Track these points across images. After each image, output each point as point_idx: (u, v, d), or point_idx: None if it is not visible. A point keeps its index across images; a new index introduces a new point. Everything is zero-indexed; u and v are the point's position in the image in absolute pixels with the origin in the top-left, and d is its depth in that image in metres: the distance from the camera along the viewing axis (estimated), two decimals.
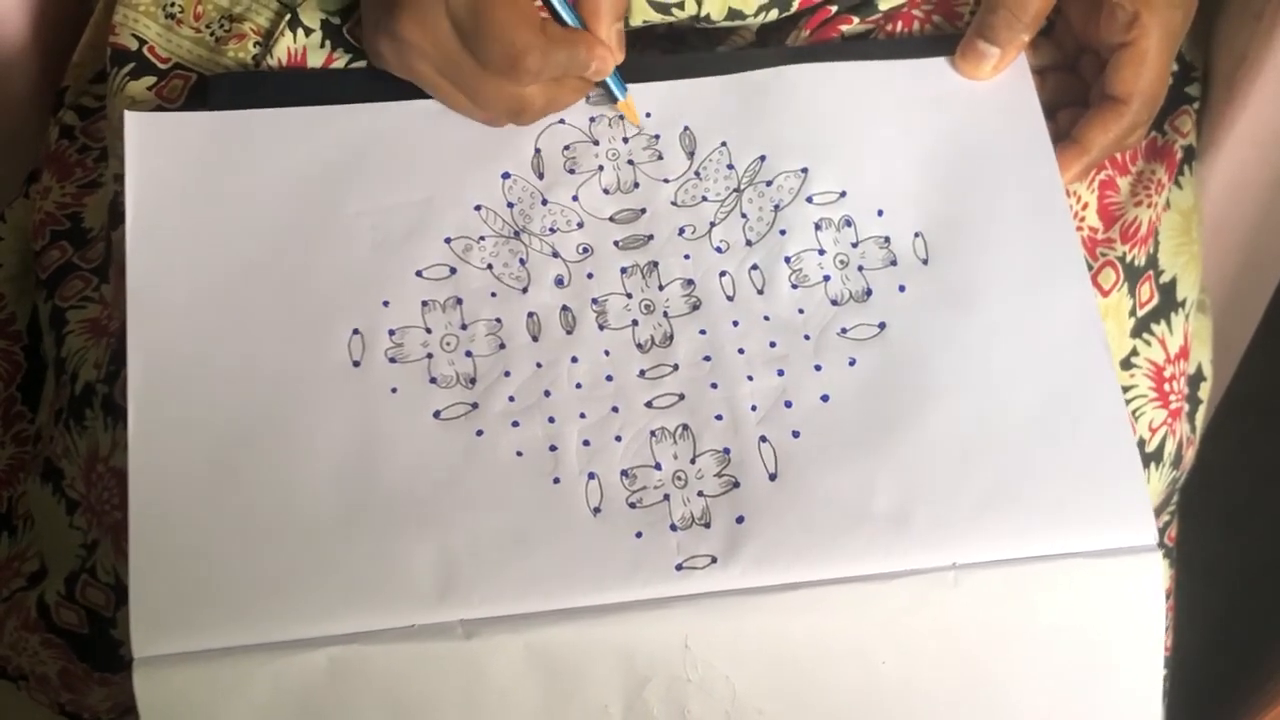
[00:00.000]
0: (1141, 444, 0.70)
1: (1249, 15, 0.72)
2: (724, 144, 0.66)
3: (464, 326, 0.62)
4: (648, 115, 0.66)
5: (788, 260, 0.64)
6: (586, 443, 0.60)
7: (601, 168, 0.65)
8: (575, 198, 0.65)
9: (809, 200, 0.65)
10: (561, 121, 0.66)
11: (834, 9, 0.69)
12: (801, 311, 0.62)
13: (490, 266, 0.63)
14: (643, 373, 0.61)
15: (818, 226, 0.64)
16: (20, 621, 0.70)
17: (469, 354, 0.61)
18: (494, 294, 0.62)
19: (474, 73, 0.62)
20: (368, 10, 0.64)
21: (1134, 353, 0.70)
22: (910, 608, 0.57)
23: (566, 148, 0.66)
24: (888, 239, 0.64)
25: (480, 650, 0.56)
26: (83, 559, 0.69)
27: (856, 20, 0.70)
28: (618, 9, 0.64)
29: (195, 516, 0.57)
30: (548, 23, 0.62)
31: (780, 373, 0.61)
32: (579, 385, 0.61)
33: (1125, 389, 0.70)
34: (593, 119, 0.66)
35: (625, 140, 0.66)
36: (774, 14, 0.69)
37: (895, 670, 0.58)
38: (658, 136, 0.66)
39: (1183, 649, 0.83)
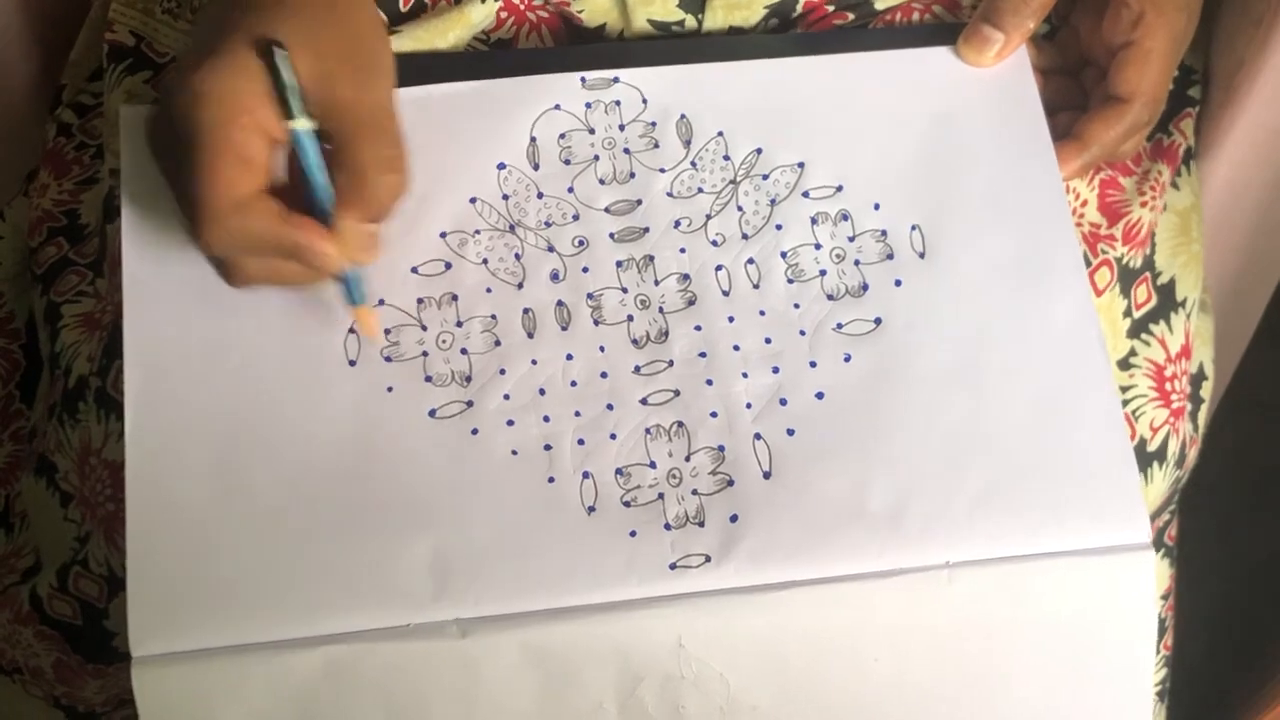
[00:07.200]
0: (1143, 443, 0.70)
1: (1248, 21, 0.72)
2: (720, 134, 0.65)
3: (459, 323, 0.62)
4: (644, 102, 0.66)
5: (784, 255, 0.63)
6: (581, 441, 0.59)
7: (597, 157, 0.65)
8: (571, 189, 0.64)
9: (805, 195, 0.64)
10: (557, 108, 0.65)
11: (831, 8, 0.69)
12: (797, 306, 0.62)
13: (486, 261, 0.63)
14: (638, 369, 0.61)
15: (814, 221, 0.64)
16: (13, 614, 0.70)
17: (464, 351, 0.61)
18: (489, 290, 0.62)
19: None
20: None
21: (1132, 353, 0.70)
22: (904, 606, 0.57)
23: (562, 136, 0.65)
24: (884, 232, 0.64)
25: (475, 649, 0.56)
26: (75, 551, 0.69)
27: (853, 17, 0.69)
28: (366, 212, 0.57)
29: (192, 515, 0.57)
30: (259, 198, 0.55)
31: (775, 370, 0.61)
32: (574, 383, 0.61)
33: (1124, 389, 0.70)
34: (588, 105, 0.66)
35: (622, 128, 0.66)
36: (774, 23, 0.69)
37: (889, 667, 0.58)
38: (654, 123, 0.66)
39: (1183, 649, 0.83)
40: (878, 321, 0.62)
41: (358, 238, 0.57)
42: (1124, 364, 0.70)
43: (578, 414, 0.60)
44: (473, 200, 0.64)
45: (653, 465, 0.59)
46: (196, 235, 0.55)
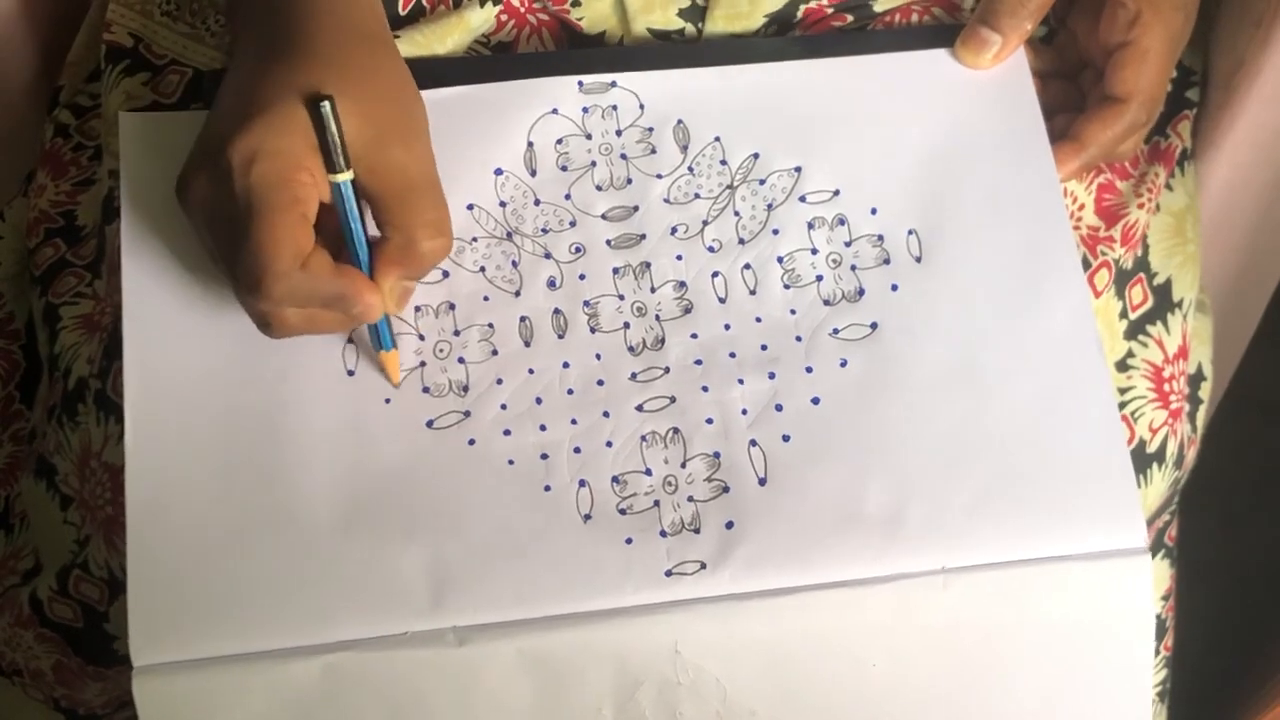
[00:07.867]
0: (1142, 444, 0.70)
1: (1247, 21, 0.72)
2: (717, 139, 0.65)
3: (457, 332, 0.62)
4: (641, 107, 0.66)
5: (780, 260, 0.63)
6: (577, 450, 0.59)
7: (594, 163, 0.65)
8: (568, 196, 0.64)
9: (802, 200, 0.64)
10: (554, 112, 0.65)
11: (830, 10, 0.69)
12: (793, 312, 0.62)
13: (483, 269, 0.63)
14: (634, 376, 0.61)
15: (810, 225, 0.64)
16: (14, 617, 0.70)
17: (461, 360, 0.61)
18: (486, 298, 0.62)
19: (226, 272, 0.57)
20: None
21: (1130, 354, 0.70)
22: (900, 611, 0.57)
23: (559, 141, 0.65)
24: (881, 236, 0.64)
25: (473, 657, 0.56)
26: (75, 553, 0.69)
27: (851, 19, 0.69)
28: (411, 272, 0.59)
29: (192, 522, 0.57)
30: (316, 253, 0.56)
31: (771, 376, 0.61)
32: (570, 391, 0.61)
33: (1123, 390, 0.70)
34: (585, 110, 0.65)
35: (619, 133, 0.65)
36: (773, 30, 0.69)
37: (886, 672, 0.58)
38: (651, 129, 0.65)
39: (1183, 649, 0.83)
40: (874, 326, 0.62)
41: (397, 292, 0.59)
42: (1122, 365, 0.70)
43: (574, 422, 0.60)
44: (470, 207, 0.63)
45: (648, 472, 0.59)
46: (259, 292, 0.55)
